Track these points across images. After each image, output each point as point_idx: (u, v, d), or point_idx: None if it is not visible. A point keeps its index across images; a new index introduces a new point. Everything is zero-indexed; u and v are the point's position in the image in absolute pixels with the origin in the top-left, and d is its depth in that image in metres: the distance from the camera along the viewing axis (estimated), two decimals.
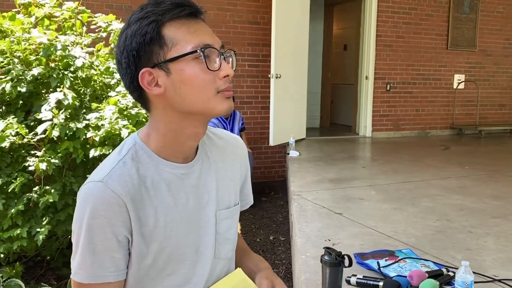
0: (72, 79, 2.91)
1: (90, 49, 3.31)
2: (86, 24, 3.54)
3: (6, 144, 2.65)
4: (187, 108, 1.00)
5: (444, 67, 7.66)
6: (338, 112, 8.87)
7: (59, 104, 2.67)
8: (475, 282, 1.78)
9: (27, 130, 2.74)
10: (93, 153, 2.68)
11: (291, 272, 3.24)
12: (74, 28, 3.49)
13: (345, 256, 1.76)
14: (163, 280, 1.05)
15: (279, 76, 5.61)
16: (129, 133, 2.78)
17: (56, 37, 3.02)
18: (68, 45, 3.03)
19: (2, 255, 2.86)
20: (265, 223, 4.61)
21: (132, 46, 0.98)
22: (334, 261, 1.78)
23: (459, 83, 7.78)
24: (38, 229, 2.67)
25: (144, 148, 1.05)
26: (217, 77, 0.98)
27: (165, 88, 0.99)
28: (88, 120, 2.77)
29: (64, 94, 2.64)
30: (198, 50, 0.95)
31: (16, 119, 2.76)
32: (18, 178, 2.68)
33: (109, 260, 0.99)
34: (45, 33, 2.97)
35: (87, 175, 2.98)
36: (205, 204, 1.10)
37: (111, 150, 2.75)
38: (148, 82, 0.99)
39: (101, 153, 2.69)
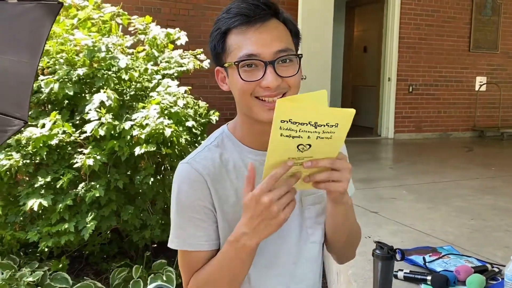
0: (115, 79, 3.00)
1: (131, 51, 3.41)
2: (122, 26, 3.64)
3: (54, 141, 2.75)
4: (239, 108, 1.11)
5: (466, 69, 7.67)
6: (358, 114, 8.75)
7: (102, 105, 2.76)
8: None
9: (74, 129, 2.84)
10: (138, 150, 2.77)
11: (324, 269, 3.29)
12: (111, 31, 3.59)
13: (397, 250, 1.81)
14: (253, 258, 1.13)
15: (304, 77, 5.66)
16: (171, 132, 2.86)
17: (100, 39, 3.11)
18: (111, 47, 3.12)
19: (46, 249, 2.96)
20: None
21: (209, 47, 1.11)
22: (387, 255, 1.82)
23: (481, 85, 7.77)
24: (85, 224, 2.76)
25: (230, 136, 1.16)
26: (259, 85, 1.03)
27: (228, 87, 1.11)
28: (133, 120, 2.86)
29: (108, 95, 2.73)
30: (233, 63, 1.03)
31: (61, 117, 2.85)
32: (65, 175, 2.77)
33: (199, 230, 1.09)
34: (89, 35, 3.07)
35: (129, 172, 3.08)
36: None
37: (154, 147, 2.84)
38: (221, 79, 1.12)
39: (146, 150, 2.77)
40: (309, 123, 0.86)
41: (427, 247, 2.39)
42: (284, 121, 0.85)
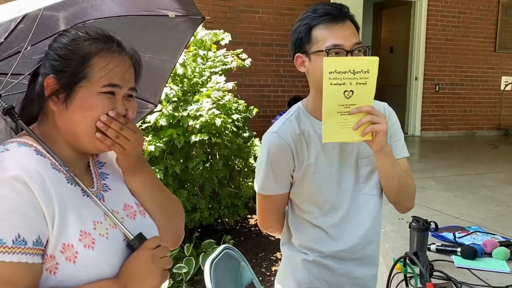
0: (172, 75, 3.34)
1: None
2: None
3: None
4: (318, 86, 1.39)
5: (492, 69, 7.83)
6: None
7: (166, 97, 3.09)
8: None
9: None
10: (194, 138, 3.09)
11: None
12: None
13: (432, 223, 2.08)
14: (318, 202, 1.49)
15: None
16: (221, 122, 3.18)
17: None
18: None
19: None
20: None
21: (292, 38, 1.44)
22: (422, 227, 2.09)
23: (506, 85, 7.92)
24: None
25: (304, 111, 1.50)
26: None
27: (307, 70, 1.43)
28: (189, 111, 3.19)
29: (171, 88, 3.07)
30: (323, 50, 1.36)
31: None
32: None
33: (276, 182, 1.50)
34: None
35: (181, 160, 3.41)
36: (349, 153, 1.49)
37: (207, 136, 3.16)
38: (300, 63, 1.45)
39: (200, 138, 3.09)
40: (349, 71, 1.19)
41: (456, 226, 2.65)
42: (331, 72, 1.20)
